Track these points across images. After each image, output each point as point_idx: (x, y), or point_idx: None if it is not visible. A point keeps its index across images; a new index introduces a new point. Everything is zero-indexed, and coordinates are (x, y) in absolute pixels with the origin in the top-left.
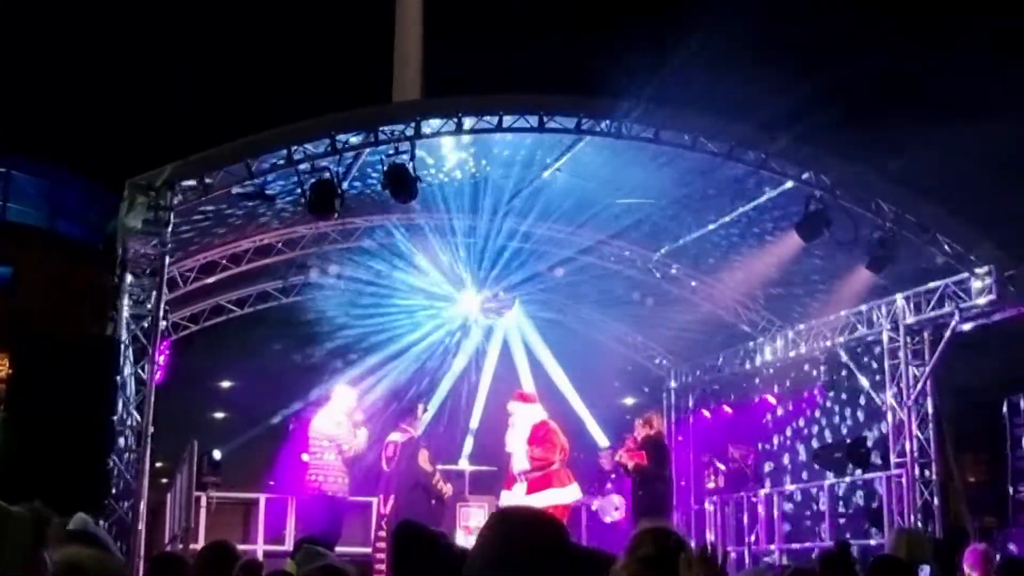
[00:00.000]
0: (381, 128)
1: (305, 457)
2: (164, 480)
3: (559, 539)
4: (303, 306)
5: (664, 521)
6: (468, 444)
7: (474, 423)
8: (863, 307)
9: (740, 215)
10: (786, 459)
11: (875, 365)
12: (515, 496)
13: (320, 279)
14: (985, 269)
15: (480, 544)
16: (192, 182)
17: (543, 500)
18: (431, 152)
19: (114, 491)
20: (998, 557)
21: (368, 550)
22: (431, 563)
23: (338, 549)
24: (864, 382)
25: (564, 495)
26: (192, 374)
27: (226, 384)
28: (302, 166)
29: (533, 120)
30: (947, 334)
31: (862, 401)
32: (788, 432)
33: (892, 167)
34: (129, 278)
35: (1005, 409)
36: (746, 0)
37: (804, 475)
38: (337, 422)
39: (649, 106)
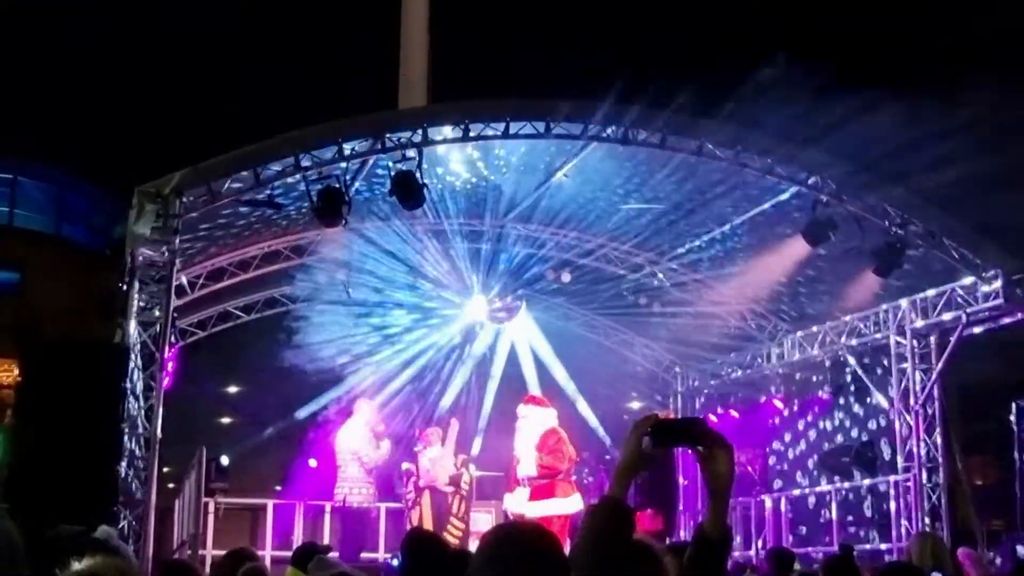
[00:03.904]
0: (388, 135)
1: (312, 463)
2: (172, 486)
3: (555, 557)
4: (310, 312)
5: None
6: (476, 449)
7: (481, 427)
8: (870, 311)
9: (747, 220)
10: (793, 463)
11: (882, 369)
12: (517, 500)
13: (327, 284)
14: (992, 273)
15: (478, 562)
16: (200, 189)
17: (545, 509)
18: (438, 158)
19: (122, 497)
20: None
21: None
22: (438, 569)
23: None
24: (871, 386)
25: (566, 505)
26: (200, 380)
27: (233, 390)
28: (309, 173)
29: (540, 126)
30: (954, 338)
31: (869, 405)
32: (795, 436)
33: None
34: (137, 285)
35: (1013, 412)
36: (751, 3)
37: (811, 479)
38: (358, 435)
39: (655, 112)
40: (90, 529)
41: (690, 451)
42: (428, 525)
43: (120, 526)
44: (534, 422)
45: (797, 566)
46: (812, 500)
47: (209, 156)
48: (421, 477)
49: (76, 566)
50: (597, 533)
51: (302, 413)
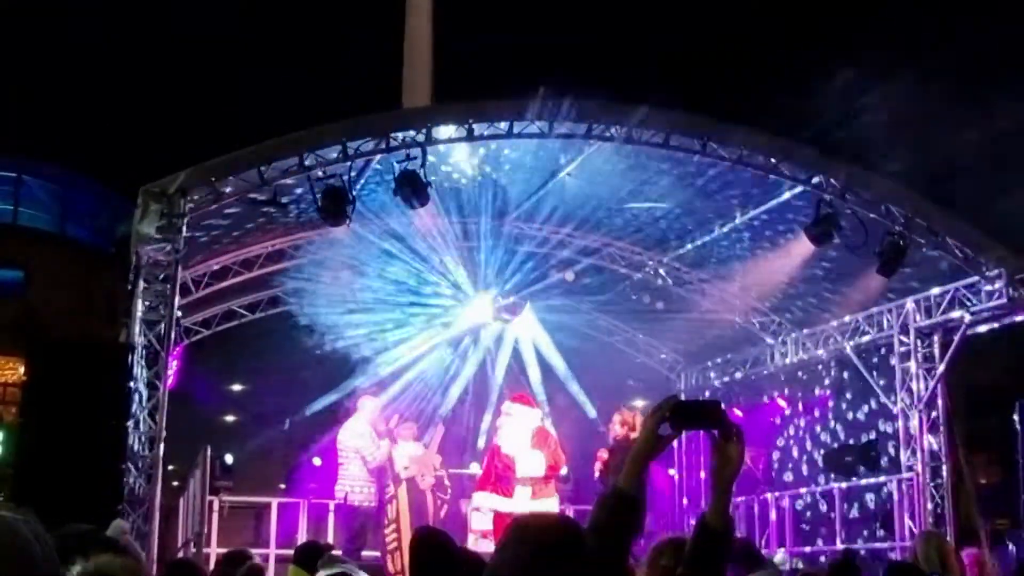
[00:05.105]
0: (392, 134)
1: (317, 461)
2: (176, 484)
3: (581, 549)
4: (314, 311)
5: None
6: (480, 448)
7: (484, 427)
8: (873, 310)
9: (750, 219)
10: (796, 462)
11: (886, 368)
12: (517, 500)
13: (331, 283)
14: (995, 272)
15: (504, 556)
16: (205, 189)
17: (549, 507)
18: (442, 156)
19: (127, 496)
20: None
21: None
22: (452, 570)
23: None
24: (875, 385)
25: (557, 505)
26: (204, 378)
27: (238, 388)
28: (314, 172)
29: (543, 126)
30: (957, 337)
31: (873, 404)
32: (798, 435)
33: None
34: (142, 284)
35: (1017, 411)
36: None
37: (814, 478)
38: (360, 433)
39: (659, 111)
40: (100, 528)
41: (705, 434)
42: (405, 520)
43: None
44: (521, 421)
45: (798, 564)
46: (815, 499)
47: (213, 156)
48: (397, 471)
49: (84, 565)
50: (604, 527)
51: (308, 411)
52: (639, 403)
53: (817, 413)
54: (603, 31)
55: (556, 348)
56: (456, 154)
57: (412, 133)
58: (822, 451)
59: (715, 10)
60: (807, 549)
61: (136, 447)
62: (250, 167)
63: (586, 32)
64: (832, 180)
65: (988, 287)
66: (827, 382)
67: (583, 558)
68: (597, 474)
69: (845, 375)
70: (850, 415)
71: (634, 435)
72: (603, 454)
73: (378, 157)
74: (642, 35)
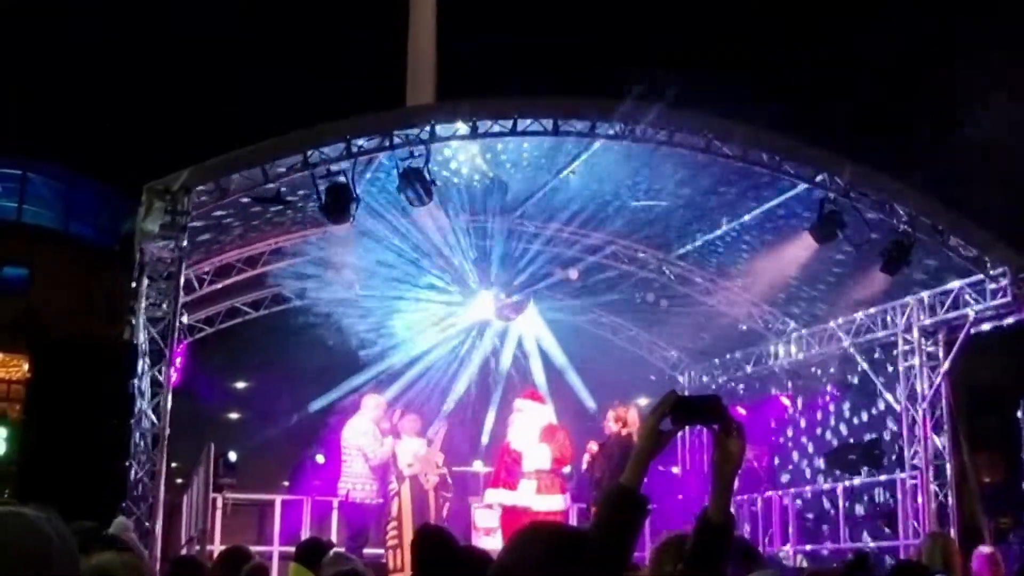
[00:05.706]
0: (396, 132)
1: (320, 459)
2: (180, 481)
3: (586, 547)
4: (317, 308)
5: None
6: (483, 445)
7: (488, 424)
8: (877, 308)
9: (754, 217)
10: (800, 460)
11: (890, 367)
12: (522, 494)
13: (334, 281)
14: (1000, 271)
15: (513, 554)
16: (209, 186)
17: (552, 504)
18: (446, 154)
19: (130, 493)
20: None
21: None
22: (454, 568)
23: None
24: (878, 383)
25: (563, 502)
26: (208, 376)
27: (241, 385)
28: (318, 170)
29: (547, 124)
30: (961, 335)
31: (876, 402)
32: (802, 433)
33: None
34: (146, 282)
35: (1021, 410)
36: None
37: (818, 476)
38: (363, 431)
39: (663, 109)
40: (102, 525)
41: (706, 430)
42: (407, 517)
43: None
44: (531, 416)
45: (804, 563)
46: (819, 497)
47: (215, 155)
48: (401, 468)
49: (86, 562)
50: (608, 525)
51: (312, 408)
52: (643, 401)
53: (821, 411)
54: (606, 28)
55: (559, 346)
56: (459, 151)
57: (416, 131)
58: (825, 449)
59: (715, 10)
60: (810, 547)
61: (140, 444)
62: (253, 165)
63: (586, 32)
64: (836, 178)
65: (992, 285)
66: (831, 380)
67: (589, 558)
68: (585, 466)
69: (849, 373)
70: (854, 413)
71: (626, 431)
72: (592, 447)
73: (382, 155)
74: (646, 32)
